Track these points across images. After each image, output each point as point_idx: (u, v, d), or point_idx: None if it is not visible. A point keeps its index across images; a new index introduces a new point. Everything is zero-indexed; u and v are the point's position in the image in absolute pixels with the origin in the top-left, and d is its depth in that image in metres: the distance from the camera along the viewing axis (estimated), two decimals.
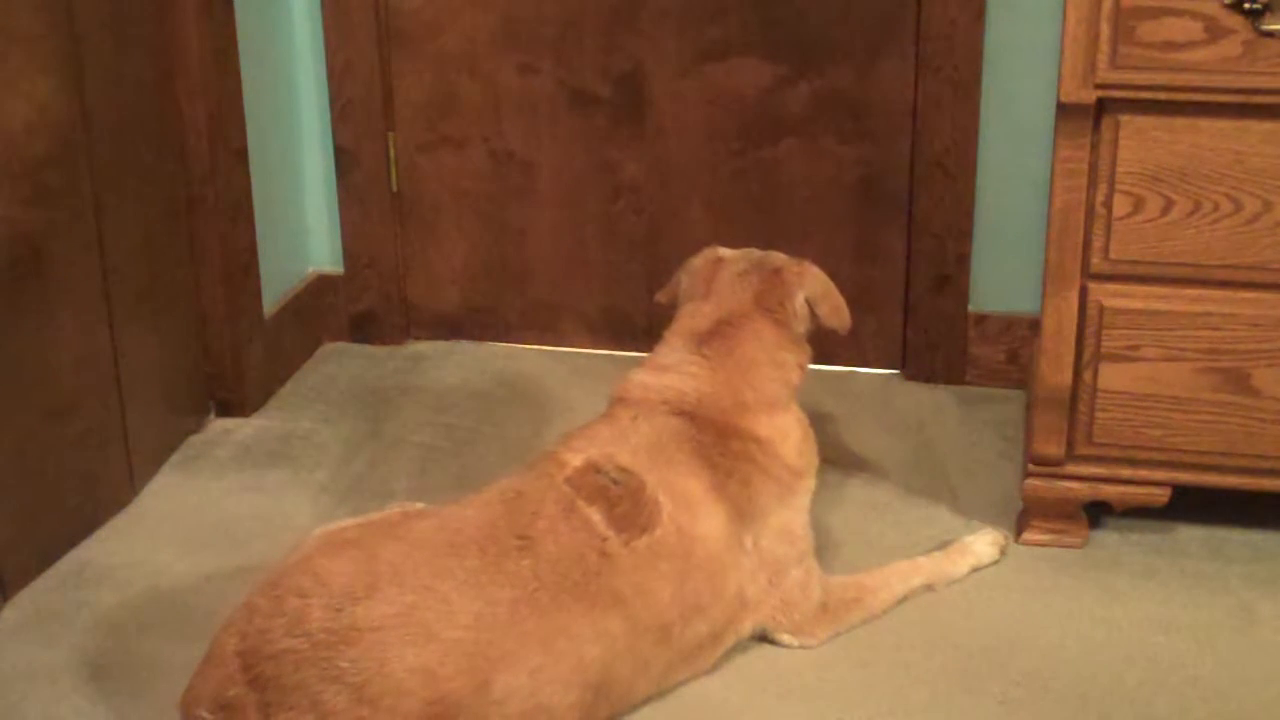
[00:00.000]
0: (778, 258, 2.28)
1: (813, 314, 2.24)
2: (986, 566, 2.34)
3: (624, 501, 1.99)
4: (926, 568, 2.30)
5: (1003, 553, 2.36)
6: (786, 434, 2.17)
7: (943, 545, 2.36)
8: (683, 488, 2.05)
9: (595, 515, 1.97)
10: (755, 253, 2.30)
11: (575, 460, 2.04)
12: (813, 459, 2.21)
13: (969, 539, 2.36)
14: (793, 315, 2.22)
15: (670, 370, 2.18)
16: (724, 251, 2.30)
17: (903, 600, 2.25)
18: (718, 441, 2.10)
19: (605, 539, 1.95)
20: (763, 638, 2.17)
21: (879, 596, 2.23)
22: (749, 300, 2.22)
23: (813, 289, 2.23)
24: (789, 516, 2.15)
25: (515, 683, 1.83)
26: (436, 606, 1.82)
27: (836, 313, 2.25)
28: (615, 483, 2.01)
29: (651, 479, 2.02)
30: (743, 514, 2.09)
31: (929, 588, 2.28)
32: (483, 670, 1.81)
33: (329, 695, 1.75)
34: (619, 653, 1.93)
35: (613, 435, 2.09)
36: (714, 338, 2.19)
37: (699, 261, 2.31)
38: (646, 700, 2.03)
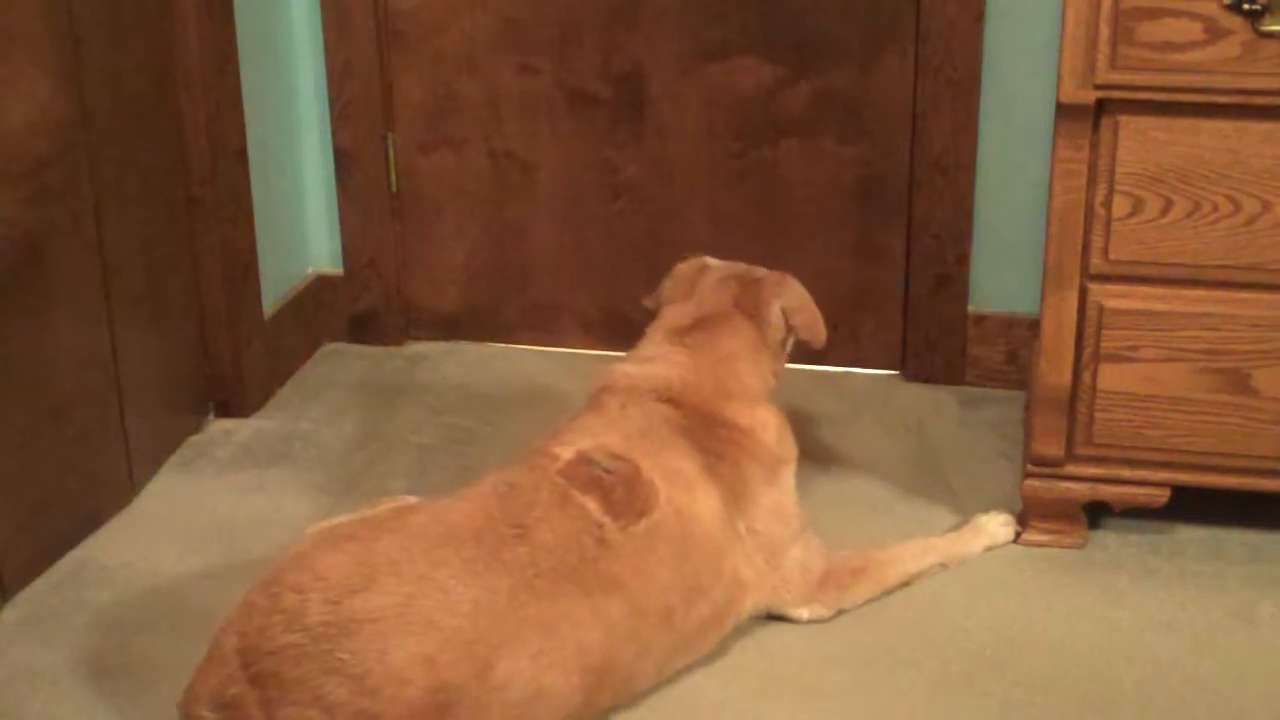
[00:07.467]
0: (760, 270, 2.36)
1: (788, 324, 2.30)
2: (1000, 546, 2.37)
3: (619, 488, 2.01)
4: (940, 546, 2.34)
5: (1015, 533, 2.39)
6: (766, 424, 2.23)
7: (955, 527, 2.40)
8: (677, 468, 2.09)
9: (590, 504, 1.99)
10: (739, 265, 2.38)
11: (566, 453, 2.06)
12: (792, 449, 2.27)
13: (982, 519, 2.41)
14: (767, 322, 2.28)
15: (654, 360, 2.24)
16: (710, 260, 2.39)
17: (916, 577, 2.29)
18: (704, 427, 2.16)
19: (601, 525, 1.97)
20: (774, 616, 2.19)
21: (889, 570, 2.27)
22: (728, 301, 2.29)
23: (789, 300, 2.31)
24: (778, 497, 2.19)
25: (516, 668, 1.84)
26: (435, 595, 1.83)
27: (811, 326, 2.32)
28: (608, 471, 2.03)
29: (646, 463, 2.06)
30: (735, 496, 2.13)
31: (943, 566, 2.32)
32: (483, 657, 1.82)
33: (331, 687, 1.75)
34: (620, 636, 1.95)
35: (603, 424, 2.13)
36: (695, 331, 2.26)
37: (684, 267, 2.40)
38: (649, 689, 2.04)
